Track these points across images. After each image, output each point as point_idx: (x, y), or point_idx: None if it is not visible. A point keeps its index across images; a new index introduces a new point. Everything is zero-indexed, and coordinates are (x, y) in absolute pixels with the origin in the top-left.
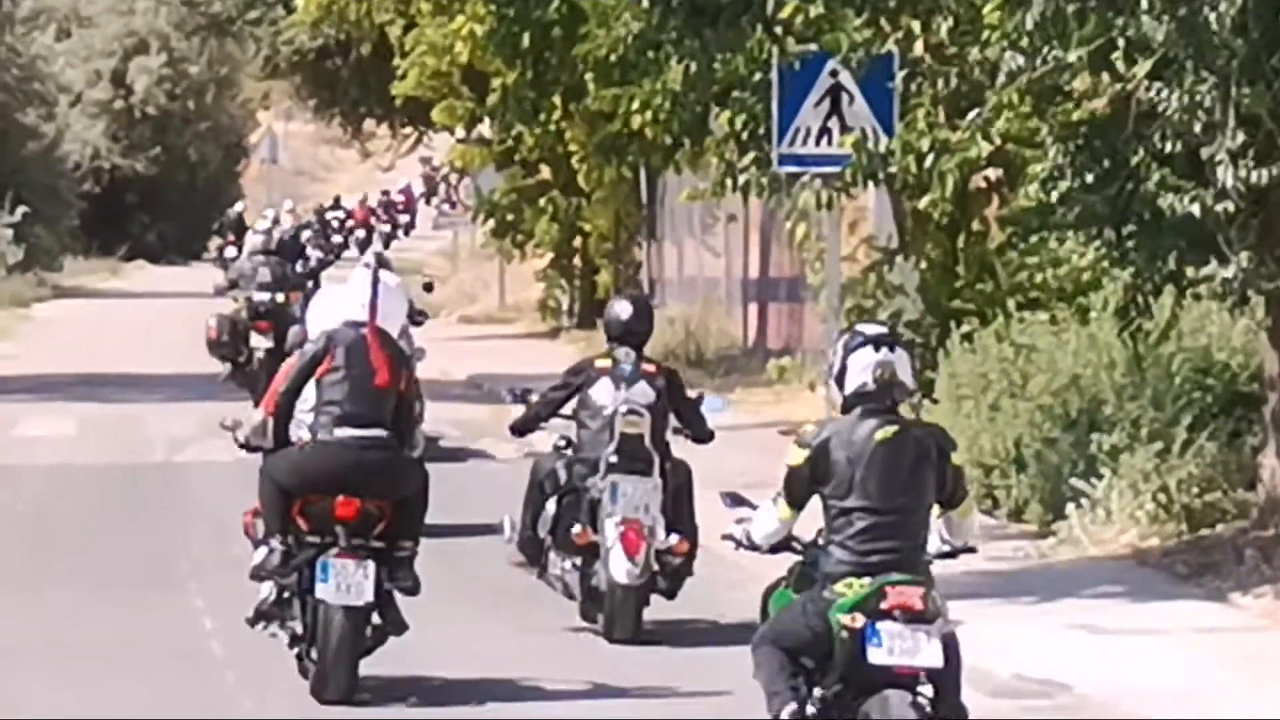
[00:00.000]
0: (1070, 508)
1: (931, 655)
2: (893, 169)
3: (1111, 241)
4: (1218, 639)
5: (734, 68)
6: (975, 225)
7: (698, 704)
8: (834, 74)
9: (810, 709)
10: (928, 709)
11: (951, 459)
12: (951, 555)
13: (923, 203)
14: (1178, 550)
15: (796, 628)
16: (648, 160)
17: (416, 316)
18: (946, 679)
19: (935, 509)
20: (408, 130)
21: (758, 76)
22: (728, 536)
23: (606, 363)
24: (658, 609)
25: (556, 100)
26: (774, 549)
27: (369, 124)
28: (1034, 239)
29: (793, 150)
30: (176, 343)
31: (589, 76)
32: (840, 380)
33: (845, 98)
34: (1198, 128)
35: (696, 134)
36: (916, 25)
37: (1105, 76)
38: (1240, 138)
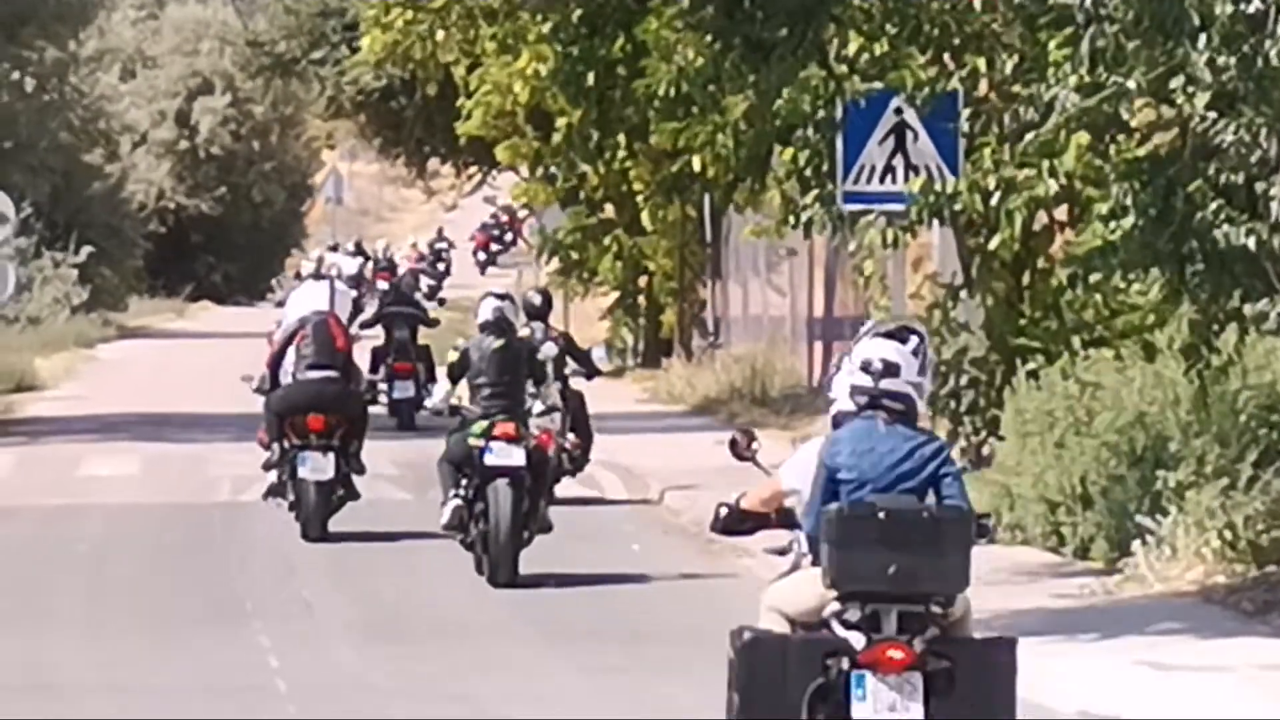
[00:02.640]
0: (1136, 544)
1: (519, 458)
2: (958, 207)
3: (1174, 278)
4: None
5: (796, 105)
6: (1040, 263)
7: None
8: (899, 111)
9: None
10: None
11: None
12: None
13: (992, 243)
14: (1244, 587)
15: (457, 449)
16: (712, 198)
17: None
18: (534, 473)
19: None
20: (472, 169)
21: (821, 113)
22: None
23: (525, 331)
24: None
25: (620, 139)
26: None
27: (433, 163)
28: (1098, 276)
29: (857, 188)
30: (241, 383)
31: (651, 113)
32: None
33: (910, 135)
34: (1254, 161)
35: (759, 171)
36: (981, 63)
37: (1165, 108)
38: None
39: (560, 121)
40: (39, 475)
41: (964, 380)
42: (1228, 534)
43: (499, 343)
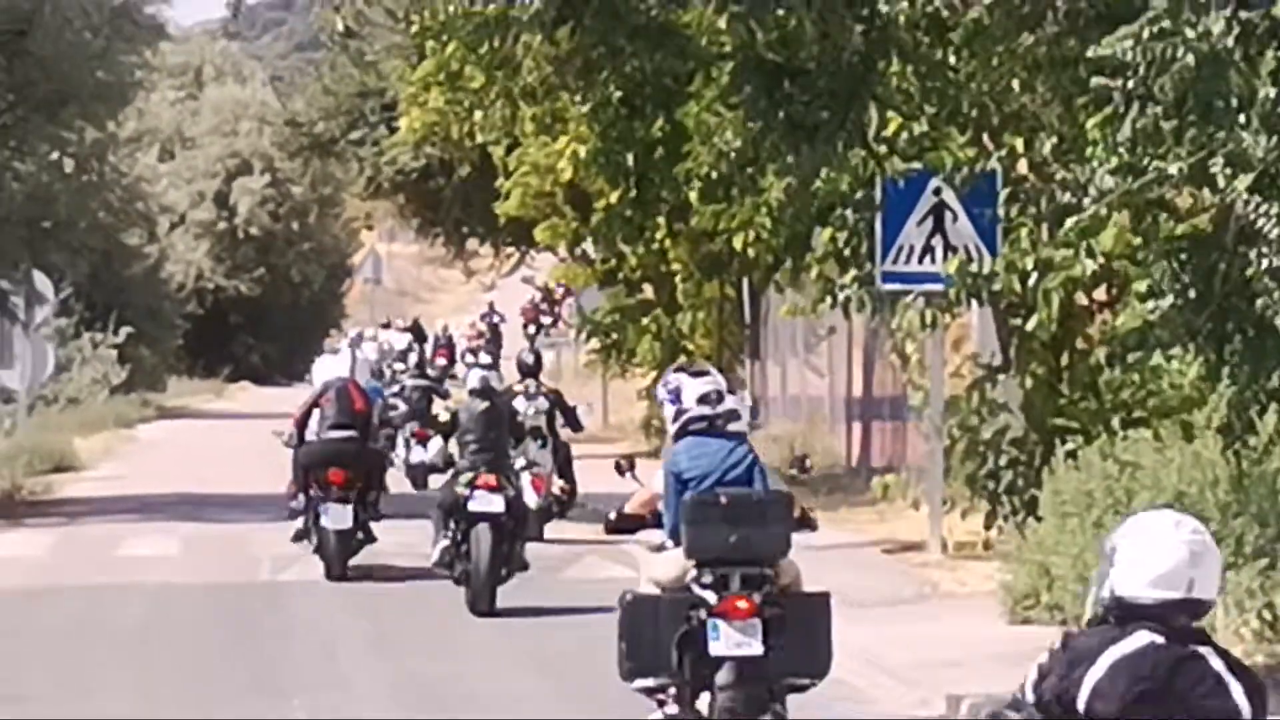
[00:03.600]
0: None
1: (498, 505)
2: (996, 287)
3: (1214, 358)
4: None
5: (835, 185)
6: (1079, 343)
7: None
8: (937, 192)
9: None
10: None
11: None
12: None
13: (1030, 324)
14: None
15: (446, 497)
16: (750, 279)
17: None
18: (513, 519)
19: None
20: (510, 249)
21: (860, 193)
22: None
23: (521, 387)
24: None
25: (660, 219)
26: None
27: (472, 243)
28: (1137, 356)
29: (896, 268)
30: (281, 463)
31: (691, 194)
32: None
33: (949, 215)
34: None
35: (798, 251)
36: (1020, 143)
37: (1205, 191)
38: None
39: (599, 202)
40: (79, 555)
41: (1003, 460)
42: (1267, 614)
43: (484, 405)
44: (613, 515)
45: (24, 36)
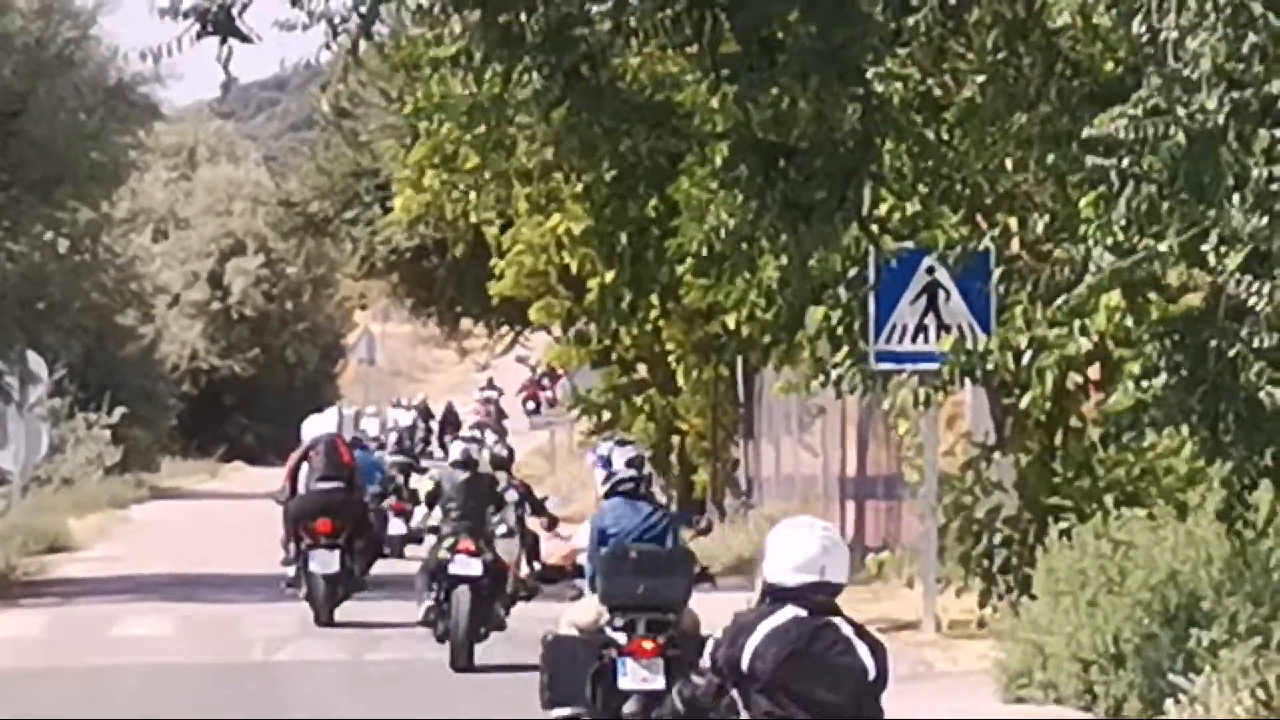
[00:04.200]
0: (1169, 704)
1: (477, 569)
2: (990, 366)
3: (1208, 437)
4: None
5: (829, 263)
6: (1073, 421)
7: None
8: (930, 270)
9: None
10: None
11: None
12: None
13: (1024, 402)
14: None
15: (430, 560)
16: (745, 358)
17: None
18: (492, 580)
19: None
20: (504, 329)
21: (853, 272)
22: None
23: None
24: None
25: (653, 298)
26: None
27: (466, 323)
28: (1131, 435)
29: (889, 347)
30: (275, 544)
31: (684, 272)
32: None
33: (942, 294)
34: None
35: (791, 330)
36: (1013, 222)
37: (1197, 269)
38: None
39: (593, 282)
40: (73, 635)
41: (997, 539)
42: (1260, 693)
43: (465, 475)
44: (538, 566)
45: (18, 117)
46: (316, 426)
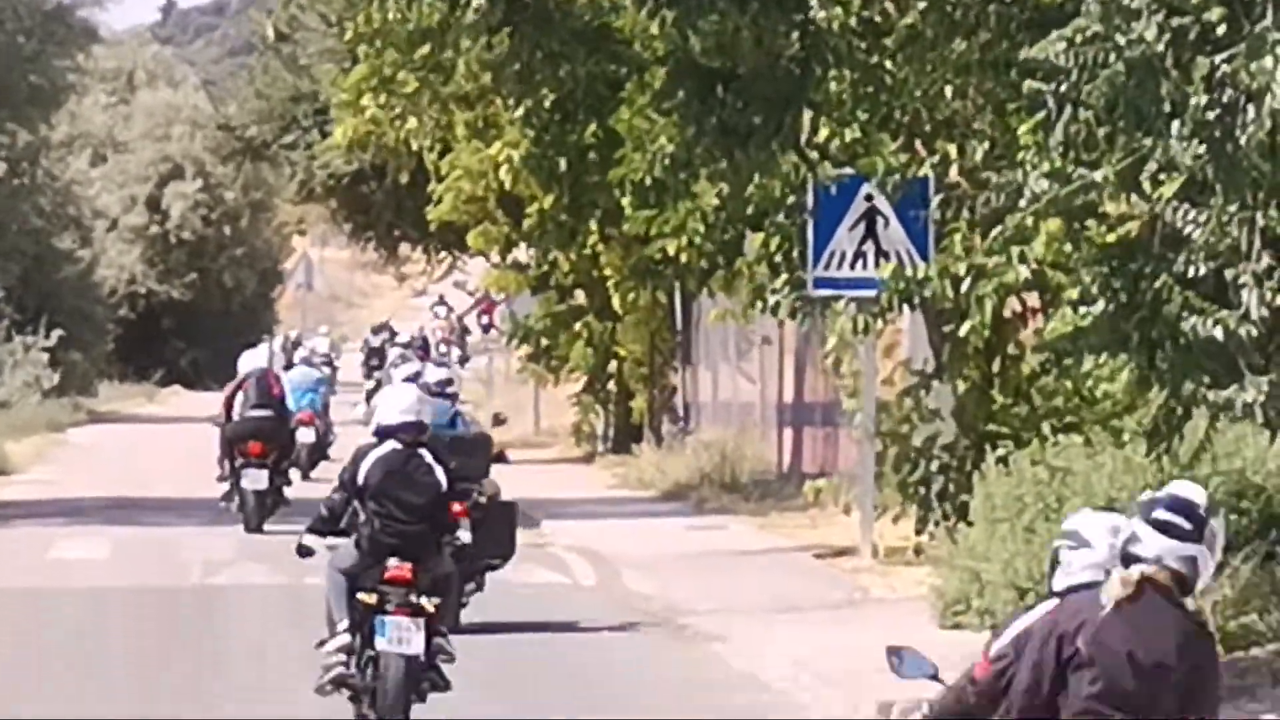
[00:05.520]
0: None
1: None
2: (929, 293)
3: (1143, 364)
4: None
5: (768, 190)
6: (1011, 349)
7: None
8: (869, 198)
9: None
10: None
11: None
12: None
13: (963, 329)
14: None
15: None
16: (683, 284)
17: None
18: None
19: None
20: (443, 254)
21: (792, 199)
22: None
23: None
24: None
25: (593, 225)
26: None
27: (404, 248)
28: (1068, 362)
29: (828, 274)
30: (212, 467)
31: (624, 200)
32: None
33: (880, 221)
34: (1223, 250)
35: (730, 257)
36: (952, 149)
37: (1135, 198)
38: (1265, 261)
39: (532, 207)
40: (9, 558)
41: (934, 466)
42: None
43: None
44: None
45: None
46: (250, 361)
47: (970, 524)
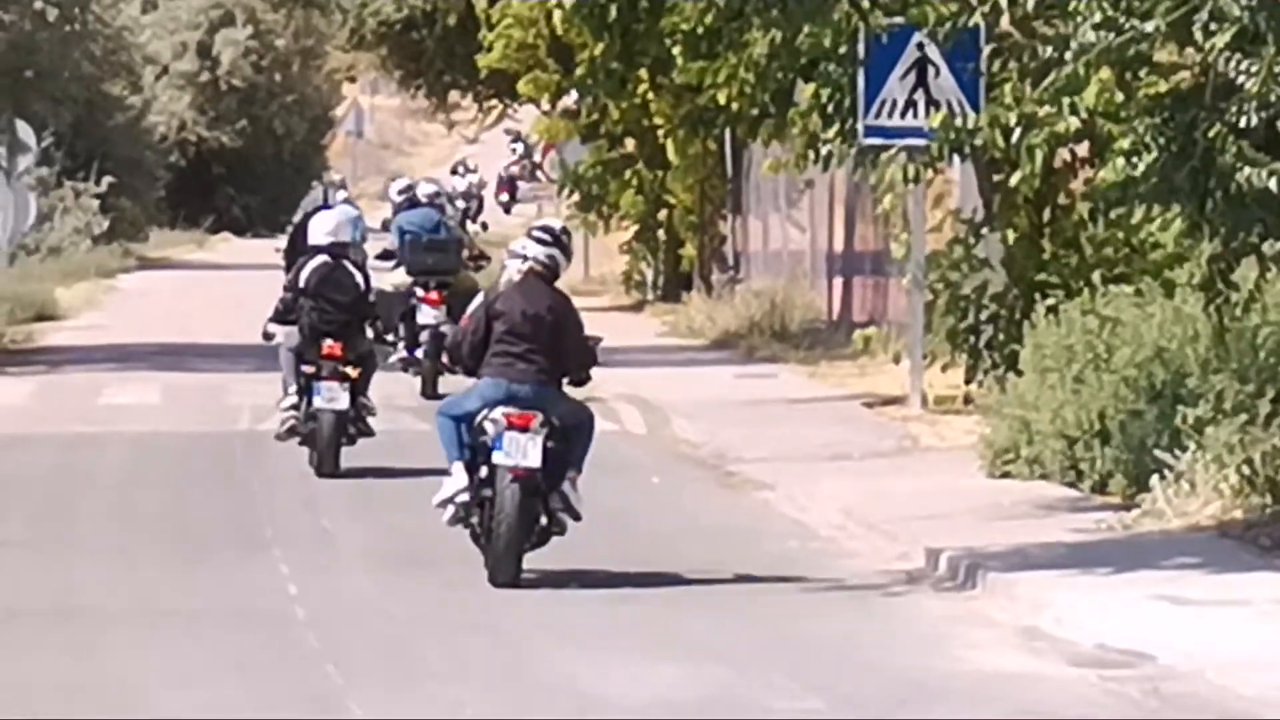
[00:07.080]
0: (1154, 480)
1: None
2: (979, 143)
3: (1194, 214)
4: None
5: (819, 39)
6: (1061, 199)
7: None
8: (920, 47)
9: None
10: None
11: None
12: None
13: (1013, 179)
14: (1261, 523)
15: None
16: (733, 133)
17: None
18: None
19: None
20: (493, 103)
21: (843, 49)
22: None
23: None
24: None
25: (643, 73)
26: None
27: (454, 96)
28: (1119, 212)
29: (878, 123)
30: (262, 314)
31: (675, 49)
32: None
33: (931, 71)
34: (1275, 100)
35: (781, 106)
36: None
37: (1187, 49)
38: None
39: (582, 55)
40: (60, 404)
41: (984, 315)
42: (1245, 469)
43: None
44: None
45: None
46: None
47: (1020, 373)
